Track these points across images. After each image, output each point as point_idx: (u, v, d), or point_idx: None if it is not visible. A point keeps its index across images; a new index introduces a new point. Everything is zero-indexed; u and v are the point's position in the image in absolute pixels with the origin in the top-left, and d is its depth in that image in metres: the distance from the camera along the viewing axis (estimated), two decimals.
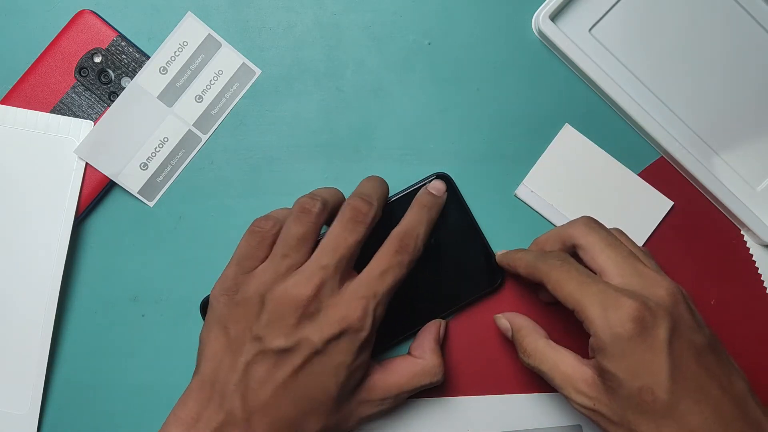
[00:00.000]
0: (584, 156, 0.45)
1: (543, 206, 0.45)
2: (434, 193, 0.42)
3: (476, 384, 0.44)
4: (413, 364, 0.39)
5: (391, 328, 0.42)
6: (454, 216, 0.43)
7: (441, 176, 0.43)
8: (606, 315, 0.34)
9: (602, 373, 0.34)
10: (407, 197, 0.42)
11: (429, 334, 0.41)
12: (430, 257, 0.43)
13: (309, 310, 0.35)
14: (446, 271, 0.43)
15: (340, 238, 0.36)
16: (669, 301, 0.34)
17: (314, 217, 0.37)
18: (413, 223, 0.39)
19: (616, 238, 0.37)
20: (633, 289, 0.34)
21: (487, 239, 0.44)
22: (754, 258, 0.46)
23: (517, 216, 0.45)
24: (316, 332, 0.35)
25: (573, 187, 0.45)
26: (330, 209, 0.38)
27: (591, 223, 0.38)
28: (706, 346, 0.34)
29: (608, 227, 0.39)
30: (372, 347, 0.37)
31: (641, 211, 0.45)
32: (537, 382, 0.44)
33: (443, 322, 0.43)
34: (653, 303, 0.34)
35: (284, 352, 0.35)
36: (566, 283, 0.35)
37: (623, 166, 0.45)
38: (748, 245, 0.46)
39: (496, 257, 0.43)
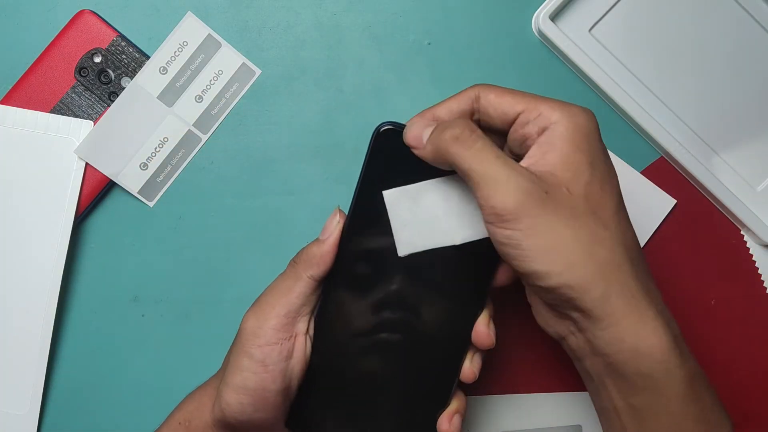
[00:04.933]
0: None
1: None
2: None
3: (477, 384, 0.44)
4: None
5: None
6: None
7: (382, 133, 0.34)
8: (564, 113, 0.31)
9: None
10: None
11: None
12: None
13: None
14: None
15: None
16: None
17: None
18: None
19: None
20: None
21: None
22: (754, 258, 0.46)
23: None
24: None
25: None
26: None
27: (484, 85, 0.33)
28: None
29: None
30: None
31: (644, 209, 0.45)
32: (537, 382, 0.44)
33: None
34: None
35: None
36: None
37: (626, 163, 0.45)
38: (748, 245, 0.46)
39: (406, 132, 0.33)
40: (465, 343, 0.35)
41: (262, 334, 0.33)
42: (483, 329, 0.34)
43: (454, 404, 0.36)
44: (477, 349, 0.36)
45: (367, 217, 0.34)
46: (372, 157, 0.34)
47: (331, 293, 0.35)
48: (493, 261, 0.34)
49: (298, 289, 0.34)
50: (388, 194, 0.33)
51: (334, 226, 0.34)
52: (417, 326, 0.35)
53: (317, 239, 0.35)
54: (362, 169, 0.34)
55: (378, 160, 0.34)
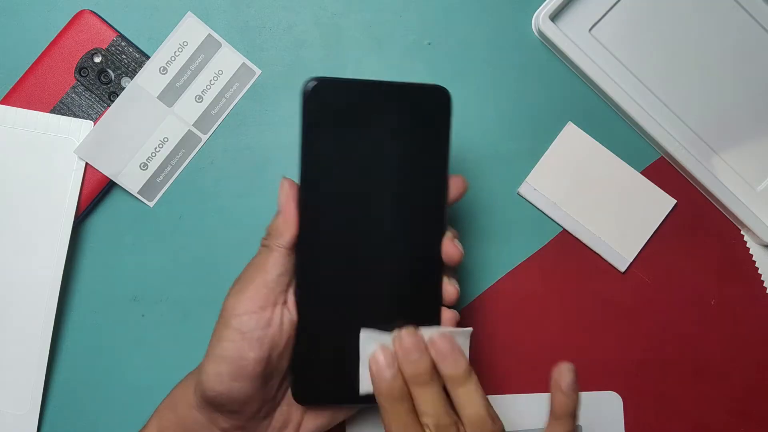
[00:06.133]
0: (587, 154, 0.45)
1: (546, 204, 0.45)
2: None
3: None
4: None
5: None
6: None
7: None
8: None
9: None
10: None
11: None
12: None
13: None
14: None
15: None
16: None
17: None
18: None
19: None
20: None
21: (483, 233, 0.44)
22: (754, 258, 0.46)
23: (520, 214, 0.45)
24: None
25: (576, 185, 0.45)
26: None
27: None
28: None
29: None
30: None
31: (644, 209, 0.45)
32: (537, 382, 0.44)
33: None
34: None
35: None
36: None
37: (626, 164, 0.45)
38: (748, 245, 0.46)
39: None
40: (439, 267, 0.36)
41: (239, 305, 0.34)
42: (449, 244, 0.36)
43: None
44: (450, 273, 0.37)
45: (318, 178, 0.35)
46: (308, 117, 0.34)
47: (304, 259, 0.35)
48: (442, 195, 0.35)
49: (273, 260, 0.35)
50: (363, 333, 0.35)
51: (285, 194, 0.35)
52: (391, 265, 0.36)
53: (277, 211, 0.36)
54: (301, 130, 0.34)
55: (315, 117, 0.34)
